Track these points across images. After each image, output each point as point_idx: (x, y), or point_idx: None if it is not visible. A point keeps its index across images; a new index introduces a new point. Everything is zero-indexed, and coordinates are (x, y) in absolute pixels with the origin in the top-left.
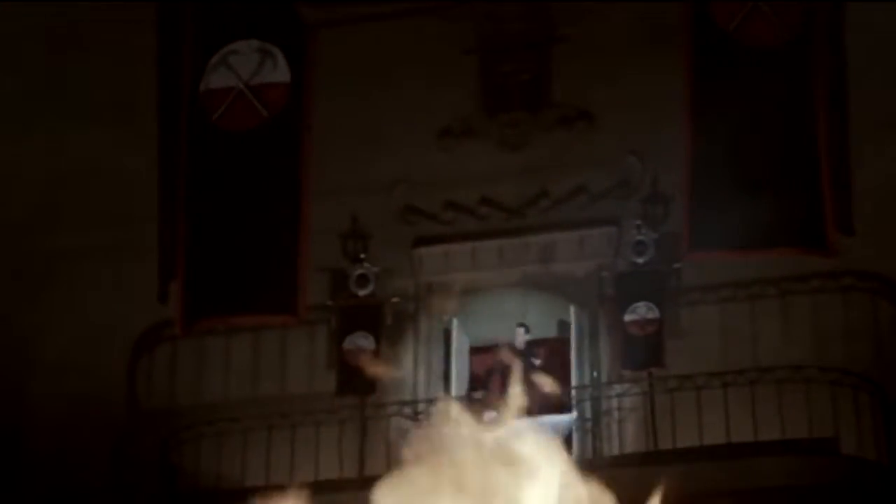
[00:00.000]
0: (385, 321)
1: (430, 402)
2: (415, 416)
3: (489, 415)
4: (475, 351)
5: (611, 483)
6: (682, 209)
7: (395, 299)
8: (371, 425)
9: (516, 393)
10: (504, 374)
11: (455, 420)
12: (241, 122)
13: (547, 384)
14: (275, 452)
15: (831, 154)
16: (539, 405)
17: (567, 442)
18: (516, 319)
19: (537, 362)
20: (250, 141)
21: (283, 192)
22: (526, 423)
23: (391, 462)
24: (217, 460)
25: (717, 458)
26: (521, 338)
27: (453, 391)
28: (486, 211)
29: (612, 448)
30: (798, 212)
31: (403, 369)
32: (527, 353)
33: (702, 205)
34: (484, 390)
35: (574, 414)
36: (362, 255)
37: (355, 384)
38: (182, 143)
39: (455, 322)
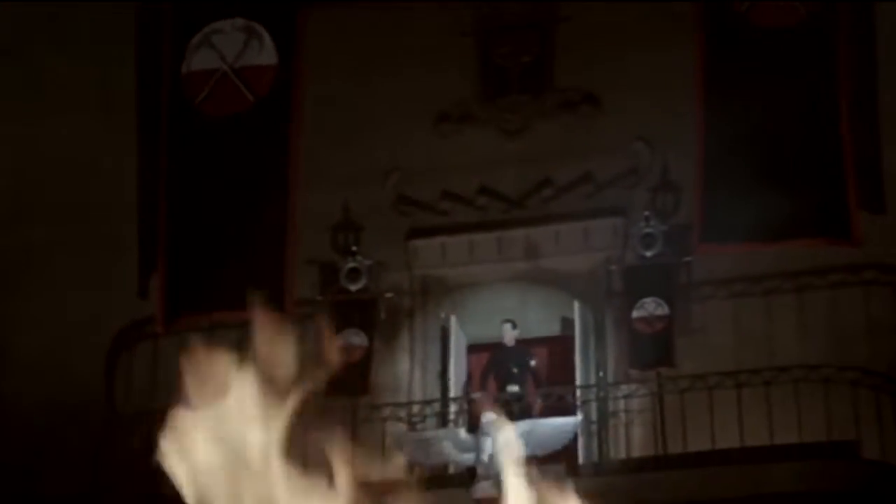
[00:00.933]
0: (378, 317)
1: (427, 403)
2: (410, 419)
3: (487, 417)
4: (473, 349)
5: (617, 489)
6: (693, 199)
7: (388, 294)
8: (364, 428)
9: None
10: (500, 373)
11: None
12: (225, 106)
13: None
14: None
15: (856, 135)
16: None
17: (572, 445)
18: (516, 316)
19: (532, 362)
20: (235, 126)
21: (270, 181)
22: (527, 427)
23: (385, 468)
24: None
25: (730, 463)
26: (509, 335)
27: (451, 392)
28: (485, 201)
29: (619, 452)
30: (819, 199)
31: (398, 368)
32: (517, 351)
33: (715, 194)
34: (482, 391)
35: (579, 416)
36: (354, 248)
37: (347, 385)
38: (162, 129)
39: (452, 319)
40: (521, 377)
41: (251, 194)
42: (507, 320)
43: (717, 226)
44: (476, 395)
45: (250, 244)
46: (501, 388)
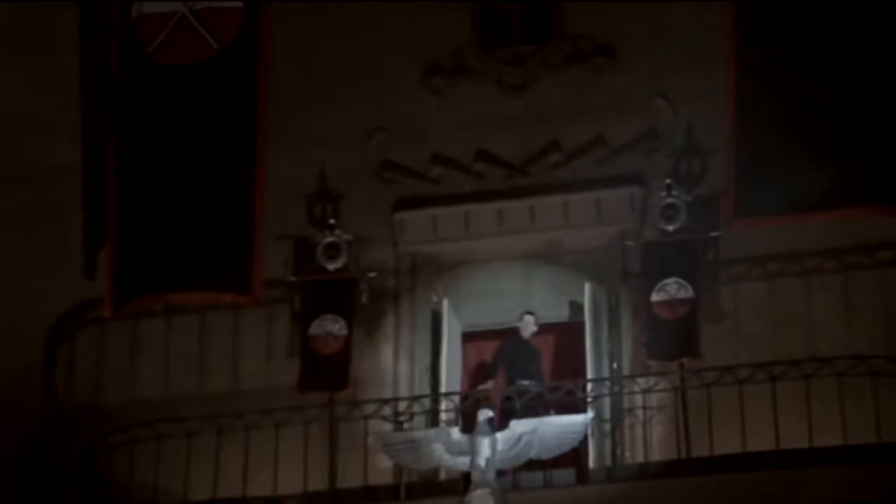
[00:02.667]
0: (360, 301)
1: (415, 399)
2: (396, 417)
3: (484, 414)
4: (469, 338)
5: (633, 497)
6: (723, 165)
7: (371, 274)
8: (343, 428)
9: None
10: (512, 365)
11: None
12: (183, 54)
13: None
14: (225, 460)
15: None
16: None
17: (582, 447)
18: (518, 299)
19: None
20: (195, 78)
21: (236, 143)
22: (530, 426)
23: (368, 472)
24: (154, 470)
25: (763, 468)
26: (530, 328)
27: (443, 386)
28: (483, 167)
29: (636, 455)
30: (868, 164)
31: (382, 360)
32: (534, 344)
33: (748, 160)
34: (490, 381)
35: (590, 414)
36: (332, 221)
37: (323, 378)
38: (110, 80)
39: (445, 303)
40: (536, 372)
41: (213, 158)
42: (530, 312)
43: (751, 196)
44: (484, 387)
45: (212, 216)
46: (512, 381)
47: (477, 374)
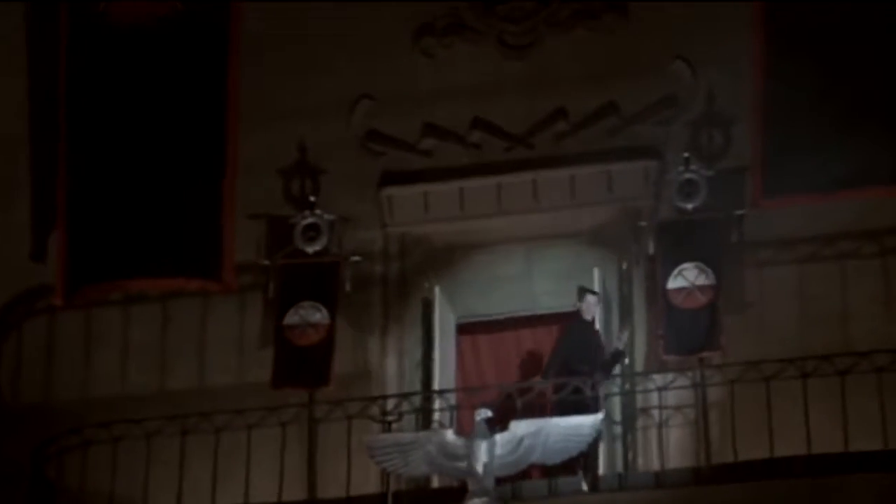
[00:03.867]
0: (342, 288)
1: (405, 397)
2: (383, 417)
3: (485, 413)
4: (465, 329)
5: None
6: (748, 137)
7: (355, 258)
8: (324, 430)
9: None
10: (578, 355)
11: None
12: (141, 11)
13: None
14: (191, 465)
15: None
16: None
17: (591, 452)
18: (521, 285)
19: (623, 339)
20: (155, 38)
21: (203, 111)
22: (533, 428)
23: (352, 479)
24: (110, 476)
25: (793, 476)
26: (592, 308)
27: (435, 383)
28: (480, 137)
29: (651, 461)
30: None
31: (368, 353)
32: (593, 333)
33: (777, 132)
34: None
35: (599, 415)
36: (312, 198)
37: (302, 374)
38: (60, 41)
39: (438, 290)
40: (599, 360)
41: (177, 128)
42: (591, 290)
43: (780, 172)
44: (537, 383)
45: (177, 193)
46: (570, 372)
47: (477, 368)
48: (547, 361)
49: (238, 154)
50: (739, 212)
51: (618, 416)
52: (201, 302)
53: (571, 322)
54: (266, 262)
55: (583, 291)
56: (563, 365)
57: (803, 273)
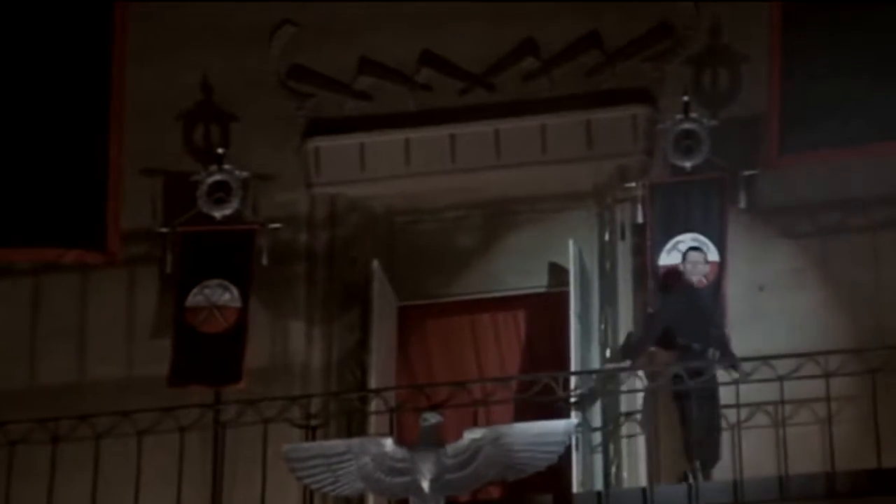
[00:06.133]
0: (258, 262)
1: (335, 397)
2: (308, 422)
3: (433, 417)
4: (409, 314)
5: None
6: (762, 79)
7: (275, 225)
8: (233, 436)
9: None
10: (687, 327)
11: None
12: None
13: None
14: (65, 480)
15: None
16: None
17: (563, 464)
18: (481, 260)
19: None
20: None
21: (81, 41)
22: (491, 435)
23: (266, 498)
24: None
25: (805, 498)
26: (699, 268)
27: (372, 380)
28: (430, 76)
29: (636, 475)
30: None
31: (290, 343)
32: (711, 294)
33: (799, 74)
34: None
35: (573, 419)
36: (220, 150)
37: (206, 368)
38: None
39: (377, 266)
40: (714, 338)
41: (49, 62)
42: (695, 248)
43: (801, 123)
44: (501, 379)
45: (49, 144)
46: (684, 348)
47: (423, 361)
48: (638, 337)
49: (126, 96)
50: (749, 172)
51: (597, 422)
52: (80, 277)
53: (672, 287)
54: (163, 230)
55: (690, 250)
56: (661, 341)
57: (826, 246)
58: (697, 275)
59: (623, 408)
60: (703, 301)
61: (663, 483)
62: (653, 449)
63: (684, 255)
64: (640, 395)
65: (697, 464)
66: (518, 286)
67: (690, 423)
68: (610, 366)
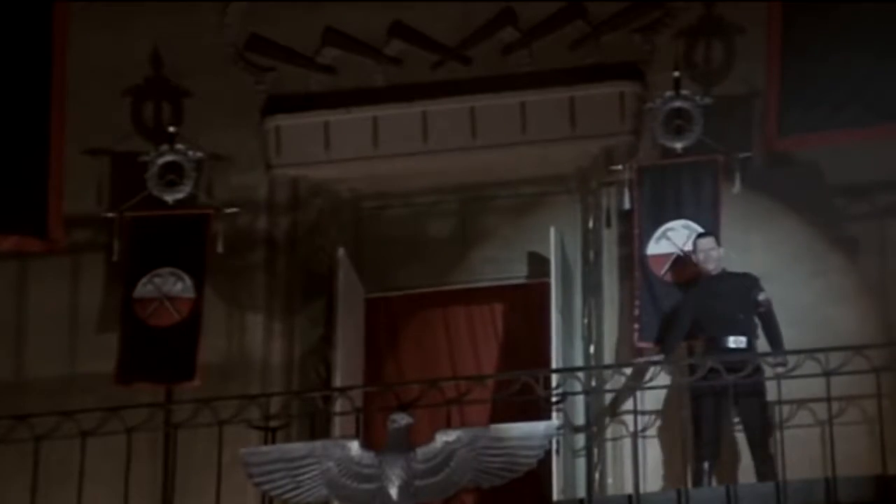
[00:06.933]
0: (213, 249)
1: (297, 396)
2: (267, 423)
3: (403, 419)
4: (377, 307)
5: None
6: (759, 52)
7: (231, 210)
8: (186, 438)
9: None
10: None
11: None
12: None
13: None
14: (2, 483)
15: None
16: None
17: (542, 470)
18: (454, 247)
19: (761, 296)
20: None
21: (17, 13)
22: (465, 438)
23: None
24: None
25: None
26: (713, 256)
27: (337, 377)
28: (400, 49)
29: (621, 483)
30: None
31: (247, 337)
32: (733, 281)
33: (801, 47)
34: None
35: (554, 421)
36: (172, 129)
37: (157, 364)
38: None
39: (342, 254)
40: (745, 324)
41: None
42: (706, 234)
43: (803, 102)
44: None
45: None
46: (715, 342)
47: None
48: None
49: (68, 69)
50: (745, 154)
51: (581, 421)
52: (18, 266)
53: (689, 281)
54: (109, 214)
55: (700, 236)
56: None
57: (829, 234)
58: (713, 262)
59: (607, 408)
60: (732, 287)
61: (666, 488)
62: (645, 456)
63: (694, 245)
64: (639, 394)
65: (706, 465)
66: (495, 277)
67: (708, 422)
68: (642, 360)
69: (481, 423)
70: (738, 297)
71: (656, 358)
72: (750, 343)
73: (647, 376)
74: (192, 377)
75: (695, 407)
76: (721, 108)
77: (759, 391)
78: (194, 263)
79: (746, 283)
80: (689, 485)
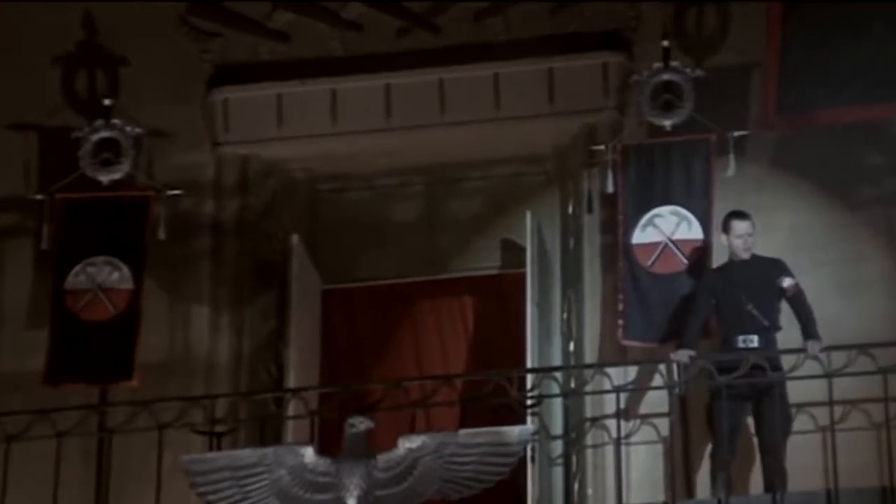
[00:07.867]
0: (154, 236)
1: (246, 397)
2: (212, 428)
3: (362, 423)
4: (336, 299)
5: None
6: (756, 19)
7: (173, 191)
8: (122, 444)
9: None
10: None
11: None
12: None
13: None
14: None
15: None
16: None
17: (516, 480)
18: (421, 234)
19: (786, 282)
20: None
21: None
22: (432, 444)
23: None
24: None
25: None
26: (745, 241)
27: (290, 377)
28: (360, 12)
29: (603, 496)
30: None
31: (191, 333)
32: (760, 268)
33: (802, 15)
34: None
35: (529, 426)
36: (107, 101)
37: (91, 363)
38: None
39: (296, 241)
40: (770, 314)
41: None
42: (738, 213)
43: (805, 76)
44: (679, 356)
45: None
46: (731, 337)
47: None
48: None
49: None
50: (740, 132)
51: (558, 429)
52: None
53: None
54: (38, 196)
55: (732, 217)
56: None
57: (831, 224)
58: (745, 249)
59: (588, 412)
60: (757, 275)
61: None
62: (629, 465)
63: (727, 227)
64: (611, 398)
65: (723, 475)
66: (465, 267)
67: (722, 427)
68: (674, 355)
69: (449, 427)
70: (757, 287)
71: (684, 355)
72: (767, 341)
73: (631, 377)
74: (129, 377)
75: (708, 409)
76: (714, 82)
77: (781, 393)
78: (132, 251)
79: (772, 272)
80: (683, 495)
